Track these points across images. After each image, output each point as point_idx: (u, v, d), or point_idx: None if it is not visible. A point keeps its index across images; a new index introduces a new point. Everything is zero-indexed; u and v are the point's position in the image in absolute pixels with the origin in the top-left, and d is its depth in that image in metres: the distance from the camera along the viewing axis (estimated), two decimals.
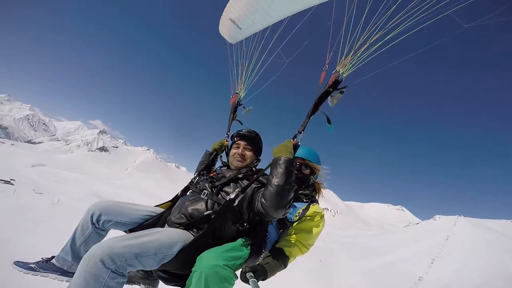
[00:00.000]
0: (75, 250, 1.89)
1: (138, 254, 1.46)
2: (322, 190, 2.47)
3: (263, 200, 1.68)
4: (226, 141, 2.70)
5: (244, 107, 2.92)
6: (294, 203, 2.18)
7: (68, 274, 1.91)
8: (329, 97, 1.97)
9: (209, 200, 1.91)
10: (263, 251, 1.91)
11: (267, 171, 1.92)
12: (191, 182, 2.29)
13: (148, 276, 2.22)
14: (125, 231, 1.98)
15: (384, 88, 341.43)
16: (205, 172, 2.45)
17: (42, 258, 1.96)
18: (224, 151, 2.67)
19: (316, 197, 2.42)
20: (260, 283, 1.70)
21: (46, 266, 1.91)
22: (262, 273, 1.79)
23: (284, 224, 2.20)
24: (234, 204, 1.82)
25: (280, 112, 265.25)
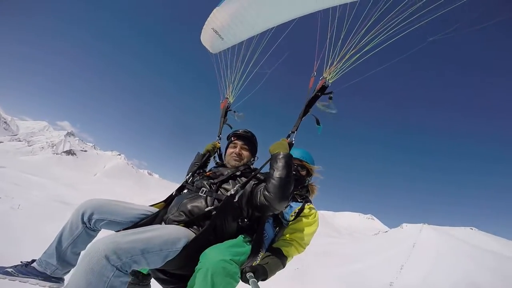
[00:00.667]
0: (61, 253, 1.75)
1: (143, 250, 1.39)
2: (315, 191, 2.55)
3: (267, 193, 1.74)
4: (218, 143, 2.78)
5: (234, 112, 3.02)
6: (290, 203, 2.23)
7: (52, 279, 1.75)
8: (326, 106, 2.21)
9: (208, 197, 1.91)
10: (261, 249, 1.94)
11: (264, 169, 2.04)
12: (185, 182, 2.27)
13: (140, 282, 2.14)
14: (118, 231, 1.82)
15: (354, 95, 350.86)
16: (200, 171, 2.44)
17: (21, 262, 1.78)
18: (216, 153, 2.73)
19: (310, 198, 2.50)
20: (260, 283, 1.69)
21: (25, 270, 1.72)
22: (262, 273, 1.80)
23: (279, 223, 2.27)
24: (235, 200, 1.85)
25: (271, 114, 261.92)
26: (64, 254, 1.76)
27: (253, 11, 3.34)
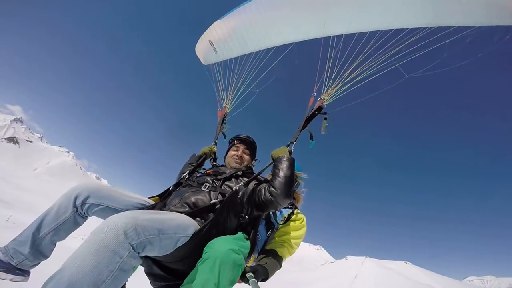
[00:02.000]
0: (37, 240, 1.53)
1: (161, 230, 1.30)
2: (301, 199, 2.61)
3: (273, 189, 1.83)
4: (215, 147, 2.88)
5: (225, 123, 3.21)
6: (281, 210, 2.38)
7: (16, 271, 1.51)
8: (322, 125, 2.54)
9: (212, 192, 1.92)
10: (254, 251, 2.01)
11: (264, 172, 2.18)
12: (183, 178, 2.26)
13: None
14: None
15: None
16: (198, 170, 2.49)
17: None
18: (212, 157, 2.81)
19: (297, 205, 2.56)
20: (260, 284, 1.68)
21: None
22: (262, 273, 1.82)
23: (271, 226, 2.36)
24: (238, 196, 1.89)
25: (272, 121, 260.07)
26: (40, 242, 1.55)
27: (251, 30, 3.56)
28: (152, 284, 1.72)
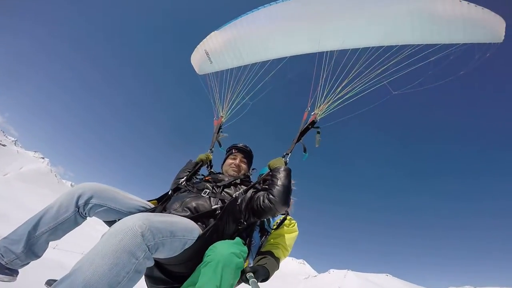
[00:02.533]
0: (32, 239, 1.50)
1: (172, 232, 1.32)
2: (291, 206, 2.64)
3: (272, 196, 1.91)
4: (211, 155, 2.94)
5: (221, 132, 3.29)
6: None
7: (5, 270, 1.45)
8: (316, 139, 2.68)
9: (212, 198, 1.97)
10: (248, 256, 2.02)
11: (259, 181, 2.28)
12: (181, 184, 2.28)
13: None
14: (115, 221, 1.65)
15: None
16: (196, 176, 2.55)
17: None
18: (207, 164, 2.86)
19: (288, 212, 2.64)
20: (260, 284, 1.69)
21: None
22: (262, 273, 1.84)
23: (264, 232, 2.44)
24: (237, 203, 1.97)
25: (267, 134, 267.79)
26: (35, 241, 1.51)
27: (247, 43, 3.61)
28: (152, 285, 1.73)
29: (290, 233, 2.41)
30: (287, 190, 1.97)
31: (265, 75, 3.60)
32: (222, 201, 1.97)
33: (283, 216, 2.45)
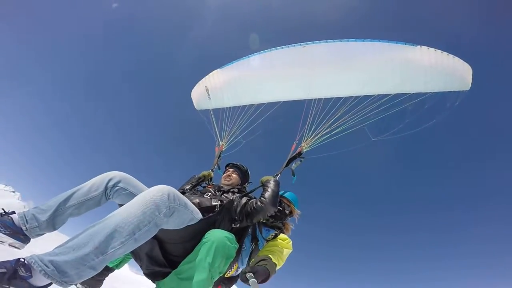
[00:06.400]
0: (60, 210, 1.66)
1: (186, 204, 1.66)
2: (289, 230, 2.85)
3: (263, 199, 2.29)
4: (212, 173, 3.33)
5: (221, 158, 3.68)
6: (269, 229, 2.69)
7: (20, 237, 1.51)
8: (293, 163, 3.20)
9: (212, 199, 2.33)
10: (237, 260, 2.34)
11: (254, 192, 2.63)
12: (186, 190, 2.67)
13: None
14: None
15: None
16: (200, 184, 2.96)
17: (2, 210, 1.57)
18: (208, 180, 3.21)
19: (285, 232, 2.79)
20: (260, 285, 1.76)
21: None
22: (263, 274, 1.88)
23: (256, 240, 2.59)
24: (233, 204, 2.29)
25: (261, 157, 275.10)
26: (61, 212, 1.67)
27: (245, 85, 3.92)
28: (145, 268, 1.89)
29: (285, 247, 2.54)
30: (276, 194, 2.35)
31: (260, 115, 3.95)
32: (221, 201, 2.30)
33: (279, 231, 2.65)
